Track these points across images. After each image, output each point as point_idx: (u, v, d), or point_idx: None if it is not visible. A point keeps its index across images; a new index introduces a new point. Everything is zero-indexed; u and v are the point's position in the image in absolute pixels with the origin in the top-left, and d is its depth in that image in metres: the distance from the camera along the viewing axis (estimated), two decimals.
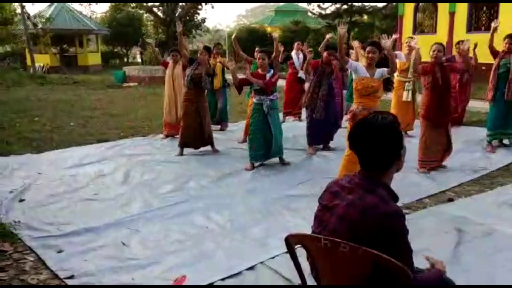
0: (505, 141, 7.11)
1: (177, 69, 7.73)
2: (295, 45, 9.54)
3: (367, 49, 5.06)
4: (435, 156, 5.83)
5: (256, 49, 6.96)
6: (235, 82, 5.93)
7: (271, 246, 3.74)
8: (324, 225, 2.00)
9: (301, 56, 9.22)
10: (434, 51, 5.73)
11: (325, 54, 6.77)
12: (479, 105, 9.68)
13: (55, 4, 28.94)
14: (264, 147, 6.01)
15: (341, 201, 1.96)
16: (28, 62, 24.90)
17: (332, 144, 7.14)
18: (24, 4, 22.45)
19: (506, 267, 3.40)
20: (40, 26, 24.96)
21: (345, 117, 7.39)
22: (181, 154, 6.82)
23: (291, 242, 2.03)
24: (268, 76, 5.93)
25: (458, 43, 8.36)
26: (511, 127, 6.85)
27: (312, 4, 27.98)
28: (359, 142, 1.99)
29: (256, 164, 6.11)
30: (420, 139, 5.88)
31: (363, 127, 1.98)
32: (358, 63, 5.21)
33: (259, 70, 6.02)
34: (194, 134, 6.75)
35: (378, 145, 1.93)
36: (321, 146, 7.11)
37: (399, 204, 2.00)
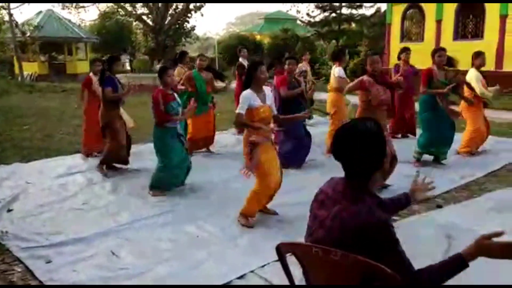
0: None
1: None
2: (241, 53, 9.38)
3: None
4: None
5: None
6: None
7: (262, 254, 3.73)
8: (313, 235, 2.00)
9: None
10: (371, 64, 5.20)
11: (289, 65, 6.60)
12: None
13: (44, 12, 28.81)
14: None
15: (327, 211, 1.94)
16: (16, 70, 24.71)
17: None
18: (12, 12, 22.32)
19: (496, 273, 3.43)
20: (28, 34, 24.82)
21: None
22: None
23: (282, 250, 2.03)
24: (176, 96, 5.46)
25: (403, 50, 8.37)
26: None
27: (301, 12, 28.17)
28: (341, 149, 1.93)
29: None
30: None
31: (345, 134, 1.94)
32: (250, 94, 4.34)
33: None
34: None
35: (361, 151, 1.88)
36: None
37: None
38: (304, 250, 1.94)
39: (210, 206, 4.97)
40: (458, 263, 1.89)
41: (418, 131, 7.23)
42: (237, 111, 4.31)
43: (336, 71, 7.30)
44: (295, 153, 6.48)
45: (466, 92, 6.90)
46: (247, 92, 4.31)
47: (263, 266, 3.55)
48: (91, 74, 7.45)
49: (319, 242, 1.91)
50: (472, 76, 6.82)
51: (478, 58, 6.91)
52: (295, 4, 29.41)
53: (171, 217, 4.65)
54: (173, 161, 5.30)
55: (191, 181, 5.82)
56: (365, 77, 5.24)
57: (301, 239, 2.11)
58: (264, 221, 4.51)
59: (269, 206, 4.71)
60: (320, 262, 1.85)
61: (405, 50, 8.35)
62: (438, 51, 6.40)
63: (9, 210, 4.88)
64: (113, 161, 6.42)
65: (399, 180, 5.12)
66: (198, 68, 7.29)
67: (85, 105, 7.34)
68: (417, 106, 7.87)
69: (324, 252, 1.82)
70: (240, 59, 9.31)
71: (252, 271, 3.49)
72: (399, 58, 8.37)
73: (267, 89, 4.51)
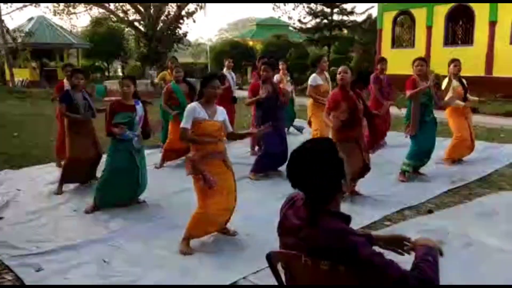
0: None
1: None
2: (226, 63, 8.98)
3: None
4: None
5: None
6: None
7: (254, 260, 3.73)
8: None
9: (233, 74, 8.84)
10: (339, 73, 4.98)
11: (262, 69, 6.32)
12: None
13: (35, 18, 28.70)
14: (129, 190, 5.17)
15: (293, 239, 1.87)
16: (7, 76, 24.56)
17: None
18: (3, 18, 22.23)
19: (488, 277, 3.45)
20: (19, 40, 24.69)
21: None
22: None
23: (273, 259, 2.03)
24: (138, 108, 5.08)
25: (380, 61, 8.17)
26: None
27: (293, 18, 28.32)
28: (294, 174, 1.83)
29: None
30: None
31: (297, 158, 1.83)
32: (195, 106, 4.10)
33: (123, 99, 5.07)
34: None
35: (315, 176, 1.77)
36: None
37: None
38: (294, 259, 1.94)
39: None
40: None
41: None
42: (181, 125, 4.05)
43: (310, 78, 7.20)
44: (281, 150, 6.20)
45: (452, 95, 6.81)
46: (193, 105, 4.08)
47: (256, 272, 3.55)
48: (64, 79, 7.04)
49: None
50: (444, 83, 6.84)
51: (450, 65, 6.86)
52: (286, 10, 29.55)
53: (162, 224, 4.63)
54: (109, 175, 5.01)
55: (186, 187, 5.80)
56: (335, 90, 5.09)
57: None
58: (257, 227, 4.51)
59: (261, 209, 4.71)
60: (309, 272, 1.85)
61: (382, 61, 8.16)
62: (416, 61, 6.13)
63: None
64: (70, 179, 5.90)
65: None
66: (176, 80, 7.01)
67: (57, 111, 6.59)
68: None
69: (314, 262, 1.81)
70: (225, 70, 8.93)
71: (244, 277, 3.49)
72: (376, 69, 8.15)
73: (219, 108, 4.22)
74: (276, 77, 8.87)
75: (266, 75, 6.24)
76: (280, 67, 9.11)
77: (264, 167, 6.41)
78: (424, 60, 6.23)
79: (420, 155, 6.10)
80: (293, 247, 1.87)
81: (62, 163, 6.29)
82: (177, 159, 7.05)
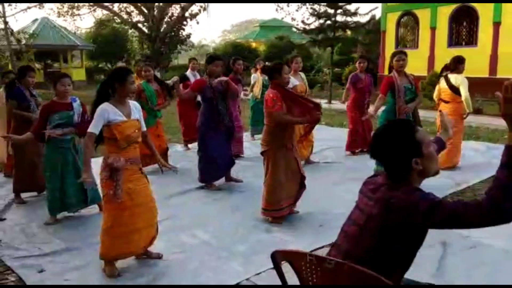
0: None
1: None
2: (190, 64, 8.56)
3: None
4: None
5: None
6: None
7: (257, 262, 3.71)
8: (351, 220, 2.10)
9: (198, 76, 8.25)
10: (285, 74, 4.59)
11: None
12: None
13: (39, 20, 28.83)
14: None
15: (369, 200, 2.01)
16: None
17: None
18: (7, 20, 22.32)
19: (491, 280, 3.43)
20: (23, 42, 24.79)
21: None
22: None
23: (277, 258, 2.02)
24: (76, 106, 4.76)
25: (360, 59, 7.94)
26: None
27: (296, 19, 28.23)
28: (375, 149, 2.06)
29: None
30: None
31: (376, 135, 2.07)
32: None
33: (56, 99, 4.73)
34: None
35: (391, 149, 1.98)
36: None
37: None
38: (299, 258, 1.94)
39: (202, 215, 4.95)
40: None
41: None
42: (88, 130, 3.49)
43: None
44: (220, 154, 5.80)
45: (445, 95, 6.47)
46: (104, 106, 3.50)
47: (258, 274, 3.53)
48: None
49: (355, 223, 2.03)
50: (463, 82, 6.29)
51: (463, 63, 6.45)
52: (290, 12, 29.48)
53: (164, 226, 4.61)
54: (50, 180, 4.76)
55: (185, 189, 5.79)
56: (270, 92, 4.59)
57: (297, 248, 2.10)
58: (259, 228, 4.50)
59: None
60: (316, 270, 1.85)
61: (361, 58, 7.97)
62: (396, 55, 5.85)
63: (1, 219, 4.85)
64: (23, 189, 5.53)
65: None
66: (147, 80, 6.72)
67: None
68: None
69: (318, 260, 1.81)
70: (188, 71, 8.45)
71: (247, 279, 3.47)
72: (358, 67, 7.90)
73: (132, 102, 3.74)
74: (253, 77, 8.73)
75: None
76: (258, 66, 8.64)
77: (210, 176, 5.89)
78: (405, 54, 5.92)
79: None
80: (364, 204, 2.05)
81: None
82: (151, 164, 6.05)
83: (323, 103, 15.22)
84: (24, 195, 5.59)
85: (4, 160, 6.25)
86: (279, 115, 4.43)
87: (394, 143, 1.97)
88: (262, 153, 4.68)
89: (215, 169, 5.86)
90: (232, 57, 7.92)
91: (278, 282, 2.09)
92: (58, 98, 4.72)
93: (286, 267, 2.05)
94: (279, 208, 4.58)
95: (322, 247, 3.90)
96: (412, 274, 2.47)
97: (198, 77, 8.21)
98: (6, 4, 22.05)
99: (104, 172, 3.46)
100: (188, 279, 3.49)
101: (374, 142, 2.06)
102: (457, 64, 6.43)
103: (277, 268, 2.04)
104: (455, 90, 6.34)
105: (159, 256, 3.85)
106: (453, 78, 6.38)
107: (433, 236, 4.17)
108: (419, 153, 1.95)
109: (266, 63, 5.06)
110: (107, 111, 3.47)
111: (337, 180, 6.09)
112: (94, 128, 3.46)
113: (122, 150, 3.50)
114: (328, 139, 8.64)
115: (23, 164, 5.39)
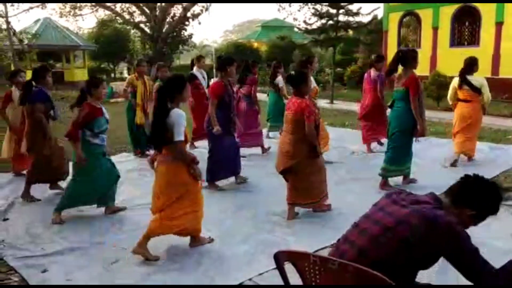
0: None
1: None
2: (198, 62, 8.42)
3: None
4: None
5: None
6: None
7: (259, 262, 3.72)
8: (373, 219, 2.12)
9: (205, 74, 8.36)
10: (310, 82, 4.84)
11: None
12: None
13: (41, 20, 28.87)
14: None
15: (403, 208, 2.07)
16: None
17: None
18: (9, 20, 22.37)
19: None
20: (26, 42, 24.84)
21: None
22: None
23: (280, 259, 2.03)
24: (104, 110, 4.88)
25: (377, 58, 7.88)
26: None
27: (298, 19, 28.25)
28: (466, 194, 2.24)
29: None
30: None
31: (474, 184, 2.26)
32: None
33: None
34: None
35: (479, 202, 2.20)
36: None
37: None
38: (302, 259, 1.94)
39: (205, 215, 4.94)
40: None
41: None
42: (180, 139, 3.73)
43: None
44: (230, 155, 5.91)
45: (466, 95, 6.74)
46: (182, 112, 3.80)
47: (261, 274, 3.53)
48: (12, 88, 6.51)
49: (380, 223, 2.07)
50: (483, 82, 6.67)
51: (477, 64, 6.74)
52: (292, 12, 29.53)
53: None
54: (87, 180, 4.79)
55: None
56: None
57: (299, 248, 2.10)
58: (263, 228, 4.50)
59: (268, 210, 4.69)
60: (319, 271, 1.85)
61: (378, 57, 7.94)
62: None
63: (5, 219, 4.86)
64: (37, 180, 5.63)
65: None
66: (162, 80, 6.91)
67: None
68: None
69: (321, 261, 1.81)
70: (195, 69, 8.35)
71: (250, 279, 3.48)
72: (371, 66, 7.89)
73: None
74: (280, 80, 8.90)
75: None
76: (279, 70, 8.92)
77: (218, 174, 5.95)
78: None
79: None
80: (393, 210, 2.10)
81: None
82: None
83: (325, 103, 15.23)
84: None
85: (10, 155, 6.49)
86: (312, 127, 4.47)
87: (486, 201, 2.20)
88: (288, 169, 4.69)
89: (222, 168, 5.92)
90: (250, 60, 8.20)
91: (280, 282, 2.09)
92: (94, 101, 4.70)
93: (288, 267, 2.05)
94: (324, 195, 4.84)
95: (325, 247, 3.90)
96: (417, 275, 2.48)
97: (205, 75, 8.37)
98: (8, 4, 22.09)
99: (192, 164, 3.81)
100: (190, 279, 3.50)
101: (473, 189, 2.22)
102: (473, 66, 6.76)
103: (280, 268, 2.04)
104: (476, 90, 6.70)
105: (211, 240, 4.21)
106: (474, 79, 6.72)
107: None
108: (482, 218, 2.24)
109: (292, 72, 5.11)
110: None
111: (339, 181, 6.09)
112: (183, 135, 3.73)
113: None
114: (330, 139, 8.62)
115: (41, 159, 5.46)
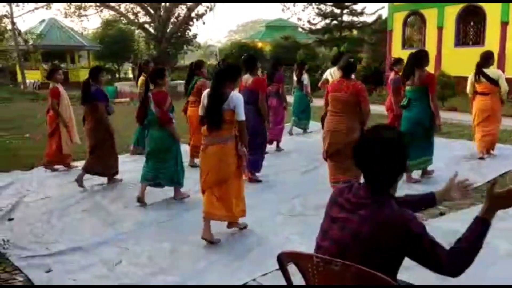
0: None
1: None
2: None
3: None
4: None
5: None
6: None
7: (263, 263, 3.71)
8: (330, 238, 1.98)
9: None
10: None
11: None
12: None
13: (46, 20, 29.01)
14: None
15: (351, 215, 1.94)
16: (19, 78, 24.79)
17: None
18: (15, 20, 22.51)
19: (492, 280, 3.41)
20: (31, 42, 24.98)
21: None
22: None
23: (283, 259, 2.02)
24: None
25: (396, 61, 7.86)
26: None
27: (302, 19, 28.21)
28: (364, 158, 1.98)
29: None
30: None
31: (367, 143, 1.99)
32: None
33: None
34: None
35: (385, 161, 1.92)
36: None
37: None
38: (305, 260, 1.93)
39: None
40: (480, 225, 2.08)
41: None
42: (243, 119, 4.11)
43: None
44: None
45: (484, 88, 6.99)
46: (240, 95, 4.26)
47: (265, 274, 3.53)
48: (57, 84, 7.19)
49: (337, 242, 1.93)
50: (501, 74, 6.99)
51: (492, 57, 7.05)
52: (296, 12, 29.47)
53: (171, 227, 4.63)
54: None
55: (195, 188, 5.80)
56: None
57: (303, 249, 2.10)
58: (266, 228, 4.50)
59: (271, 210, 4.68)
60: (321, 272, 1.84)
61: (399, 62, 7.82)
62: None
63: (10, 219, 4.87)
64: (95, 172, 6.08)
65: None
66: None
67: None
68: None
69: (325, 262, 1.80)
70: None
71: (254, 280, 3.47)
72: (391, 69, 7.95)
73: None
74: (305, 79, 9.39)
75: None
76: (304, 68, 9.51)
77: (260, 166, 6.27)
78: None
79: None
80: (344, 223, 1.95)
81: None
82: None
83: None
84: (31, 198, 5.63)
85: (70, 151, 7.16)
86: (368, 107, 4.91)
87: (393, 150, 1.94)
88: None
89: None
90: (273, 60, 8.75)
91: (284, 282, 2.09)
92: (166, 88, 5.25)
93: (291, 267, 2.05)
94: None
95: None
96: (413, 274, 2.47)
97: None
98: (13, 5, 22.21)
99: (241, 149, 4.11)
100: (194, 279, 3.50)
101: (369, 152, 1.96)
102: (489, 60, 7.02)
103: (283, 269, 2.04)
104: (494, 82, 6.94)
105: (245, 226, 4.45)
106: (491, 72, 6.98)
107: (440, 237, 4.15)
108: (406, 160, 2.00)
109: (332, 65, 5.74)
110: None
111: None
112: (244, 115, 4.10)
113: None
114: None
115: (102, 151, 5.92)
